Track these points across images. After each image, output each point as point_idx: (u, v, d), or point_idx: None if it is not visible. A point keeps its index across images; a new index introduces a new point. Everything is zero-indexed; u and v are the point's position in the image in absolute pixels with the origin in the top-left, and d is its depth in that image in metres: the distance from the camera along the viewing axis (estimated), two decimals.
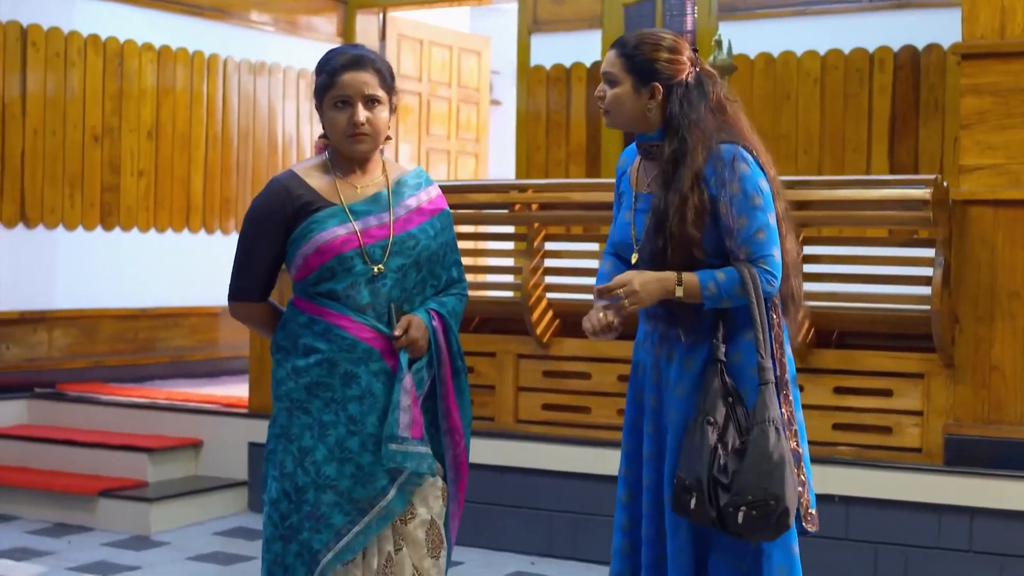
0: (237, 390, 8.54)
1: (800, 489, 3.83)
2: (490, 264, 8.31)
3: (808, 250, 6.33)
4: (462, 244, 7.72)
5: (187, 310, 9.45)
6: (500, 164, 12.59)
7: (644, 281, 3.74)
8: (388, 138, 3.90)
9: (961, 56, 6.13)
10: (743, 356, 3.81)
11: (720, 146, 3.77)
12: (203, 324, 9.60)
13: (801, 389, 6.24)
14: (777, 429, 3.66)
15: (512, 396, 7.03)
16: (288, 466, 3.81)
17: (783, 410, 3.80)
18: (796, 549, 3.83)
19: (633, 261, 3.89)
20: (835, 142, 9.01)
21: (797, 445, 3.85)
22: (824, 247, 6.63)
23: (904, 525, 6.07)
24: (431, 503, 3.91)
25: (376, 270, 3.79)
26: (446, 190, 7.65)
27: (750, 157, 3.79)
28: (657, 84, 3.83)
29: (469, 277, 8.39)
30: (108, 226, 9.19)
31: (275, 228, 3.81)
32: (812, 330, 6.36)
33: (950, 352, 6.04)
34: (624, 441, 4.04)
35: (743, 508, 3.62)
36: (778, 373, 3.81)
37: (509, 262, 8.92)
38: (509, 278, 7.21)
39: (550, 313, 6.94)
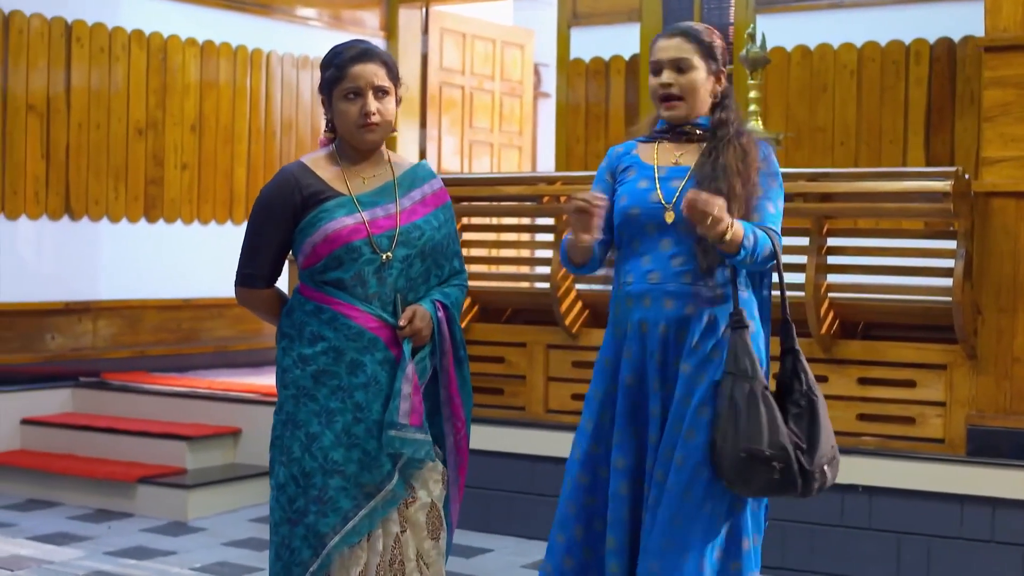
0: None
1: None
2: (520, 256, 8.38)
3: (832, 242, 6.39)
4: (492, 236, 7.82)
5: (230, 301, 9.41)
6: (548, 156, 12.66)
7: (721, 207, 3.76)
8: (393, 130, 4.01)
9: (984, 49, 6.15)
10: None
11: (747, 130, 4.03)
12: (246, 315, 9.71)
13: (826, 379, 6.34)
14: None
15: (542, 386, 7.11)
16: (295, 451, 3.91)
17: None
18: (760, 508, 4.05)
19: (669, 220, 3.94)
20: (872, 134, 9.03)
21: None
22: (848, 239, 6.66)
23: (927, 515, 6.10)
24: (431, 487, 4.01)
25: (384, 258, 3.89)
26: (476, 183, 7.80)
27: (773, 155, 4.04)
28: (723, 70, 4.04)
29: (499, 269, 8.52)
30: (152, 218, 9.35)
31: (284, 215, 3.92)
32: (837, 321, 6.41)
33: (972, 343, 6.07)
34: (598, 425, 4.08)
35: (825, 466, 3.84)
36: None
37: (544, 254, 8.99)
38: (541, 269, 7.28)
39: (579, 304, 7.01)
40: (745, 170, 3.90)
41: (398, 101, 4.01)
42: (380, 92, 3.93)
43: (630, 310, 4.03)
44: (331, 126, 4.02)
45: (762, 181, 3.94)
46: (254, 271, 3.99)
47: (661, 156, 4.05)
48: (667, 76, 3.99)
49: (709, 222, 3.70)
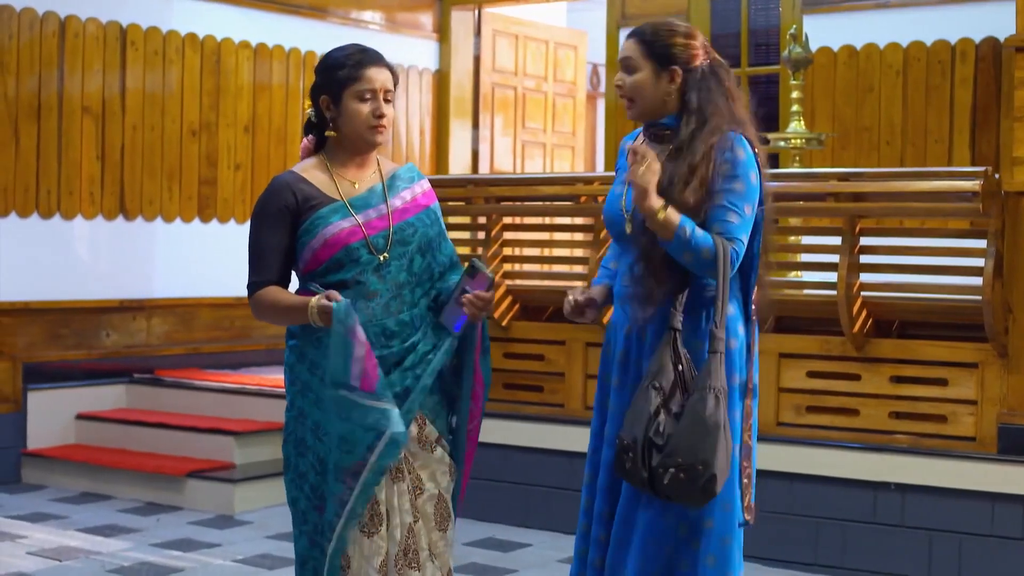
0: None
1: (746, 481, 3.92)
2: (559, 255, 8.47)
3: (864, 241, 6.43)
4: (533, 235, 7.90)
5: None
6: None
7: (655, 173, 3.78)
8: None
9: (1015, 49, 6.17)
10: (699, 330, 3.90)
11: (728, 132, 3.89)
12: None
13: (858, 378, 6.39)
14: (717, 397, 3.73)
15: (581, 383, 7.19)
16: (308, 440, 4.03)
17: (745, 404, 3.92)
18: (731, 541, 3.87)
19: (628, 231, 3.97)
20: (917, 134, 9.04)
21: (749, 439, 3.95)
22: (880, 238, 6.70)
23: (958, 513, 6.14)
24: (439, 478, 4.10)
25: (381, 258, 4.00)
26: (515, 182, 7.91)
27: (750, 150, 3.90)
28: (676, 68, 3.93)
29: (539, 267, 8.58)
30: (205, 218, 9.52)
31: (282, 219, 3.99)
32: (870, 320, 6.45)
33: (1003, 342, 6.10)
34: (593, 418, 4.15)
35: (672, 469, 3.70)
36: (747, 373, 3.93)
37: (582, 253, 9.06)
38: (579, 269, 7.37)
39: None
40: (698, 177, 3.84)
41: None
42: (389, 97, 4.06)
43: (615, 307, 4.11)
44: (312, 129, 4.12)
45: (724, 186, 3.85)
46: (259, 278, 4.01)
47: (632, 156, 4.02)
48: (618, 77, 4.01)
49: (638, 174, 3.75)
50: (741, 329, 3.96)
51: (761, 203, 3.96)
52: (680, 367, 3.82)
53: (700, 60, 3.96)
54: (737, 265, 3.86)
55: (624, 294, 4.02)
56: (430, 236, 4.09)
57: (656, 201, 3.77)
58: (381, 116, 4.02)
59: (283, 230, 4.00)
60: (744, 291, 4.01)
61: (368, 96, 4.03)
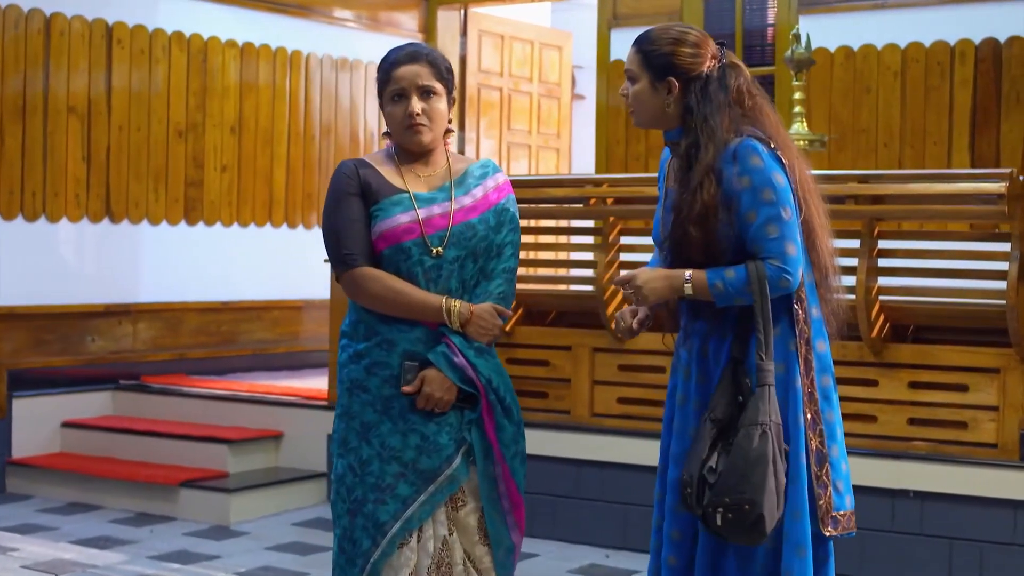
0: (317, 383, 8.63)
1: (820, 491, 3.74)
2: (565, 258, 8.33)
3: (883, 244, 6.32)
4: (540, 238, 7.76)
5: (269, 304, 9.56)
6: (582, 158, 12.60)
7: (648, 279, 3.73)
8: (450, 131, 3.97)
9: None
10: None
11: (735, 140, 3.69)
12: (285, 318, 9.71)
13: (876, 383, 6.27)
14: (765, 432, 3.58)
15: (587, 389, 7.06)
16: (352, 441, 3.90)
17: (807, 411, 3.73)
18: (806, 552, 3.69)
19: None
20: (916, 135, 8.95)
21: (821, 445, 3.75)
22: (899, 241, 6.59)
23: (979, 521, 6.04)
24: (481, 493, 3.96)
25: (435, 252, 3.85)
26: (521, 184, 7.72)
27: (764, 150, 3.68)
28: (672, 79, 3.76)
29: (544, 271, 8.46)
30: (192, 221, 9.33)
31: (354, 197, 3.87)
32: (887, 324, 6.34)
33: None
34: (662, 436, 3.99)
35: (720, 509, 3.58)
36: (801, 371, 3.74)
37: (589, 256, 8.93)
38: (585, 272, 7.23)
39: (625, 307, 6.93)
40: (707, 201, 3.66)
41: (452, 103, 3.98)
42: (426, 93, 3.89)
43: (681, 320, 3.94)
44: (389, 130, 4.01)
45: (751, 201, 3.65)
46: (353, 249, 3.86)
47: (671, 173, 3.89)
48: (623, 86, 3.87)
49: (632, 298, 3.78)
50: (800, 338, 3.77)
51: (795, 196, 3.76)
52: (740, 398, 3.68)
53: (705, 68, 3.77)
54: (795, 274, 3.66)
55: (683, 306, 3.87)
56: (490, 239, 3.93)
57: (676, 288, 3.71)
58: (412, 115, 3.87)
59: (358, 205, 3.87)
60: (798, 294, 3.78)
61: (399, 97, 3.90)
